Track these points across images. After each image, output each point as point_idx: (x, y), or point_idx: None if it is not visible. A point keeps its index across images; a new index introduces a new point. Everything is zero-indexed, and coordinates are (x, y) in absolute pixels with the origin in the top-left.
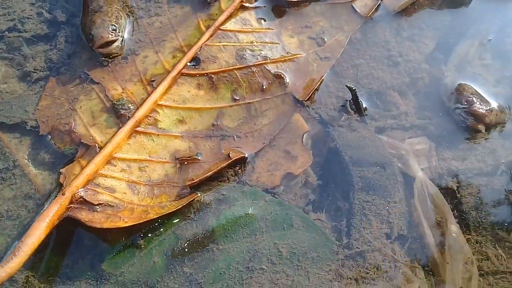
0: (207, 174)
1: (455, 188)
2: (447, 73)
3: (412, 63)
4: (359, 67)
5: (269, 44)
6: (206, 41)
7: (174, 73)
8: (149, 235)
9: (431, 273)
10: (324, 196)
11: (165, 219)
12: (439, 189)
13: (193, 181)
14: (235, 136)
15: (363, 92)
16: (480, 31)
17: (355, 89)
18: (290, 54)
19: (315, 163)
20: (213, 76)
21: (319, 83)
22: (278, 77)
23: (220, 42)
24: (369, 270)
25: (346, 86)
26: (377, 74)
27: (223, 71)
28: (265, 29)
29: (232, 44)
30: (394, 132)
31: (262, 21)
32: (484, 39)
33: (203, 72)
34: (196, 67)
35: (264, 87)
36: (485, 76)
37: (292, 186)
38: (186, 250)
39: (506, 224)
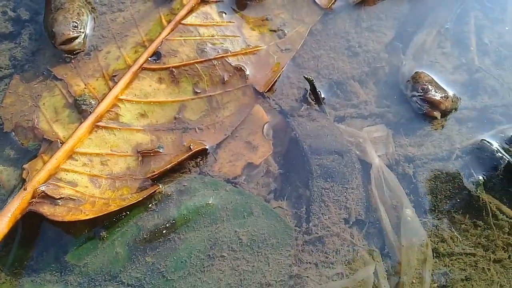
0: (168, 166)
1: (412, 174)
2: (405, 62)
3: (372, 53)
4: (320, 58)
5: (230, 37)
6: (167, 35)
7: (135, 67)
8: (112, 227)
9: (388, 255)
10: (285, 185)
11: (127, 211)
12: (396, 175)
13: (154, 174)
14: (197, 129)
15: (323, 82)
16: (438, 20)
17: (312, 80)
18: (250, 47)
19: (277, 152)
20: (174, 70)
21: (279, 74)
22: (239, 69)
23: (181, 36)
24: (328, 255)
25: (304, 77)
26: (337, 64)
27: (184, 65)
28: (226, 22)
29: (193, 38)
30: (354, 121)
31: (223, 14)
32: (442, 28)
33: (164, 66)
34: (157, 61)
35: (225, 80)
36: (443, 64)
37: (253, 176)
38: (148, 240)
39: (461, 207)
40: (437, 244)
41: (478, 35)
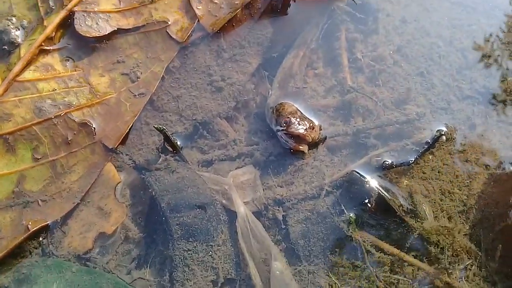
0: (1, 255)
1: (281, 218)
2: (271, 92)
3: (237, 86)
4: (181, 98)
5: (75, 89)
6: (0, 97)
7: None
8: None
9: None
10: (149, 250)
11: None
12: (266, 220)
13: None
14: (40, 201)
15: (187, 125)
16: (306, 40)
17: (163, 129)
18: (99, 97)
19: (137, 213)
20: (8, 137)
21: (131, 124)
22: (84, 125)
23: (16, 96)
24: None
25: (154, 127)
26: (200, 103)
27: (20, 129)
28: (71, 71)
29: (29, 96)
30: (221, 164)
31: (68, 62)
32: (309, 48)
33: None
34: None
35: (69, 140)
36: (314, 87)
37: (109, 246)
38: None
39: (336, 248)
40: None
41: (350, 50)
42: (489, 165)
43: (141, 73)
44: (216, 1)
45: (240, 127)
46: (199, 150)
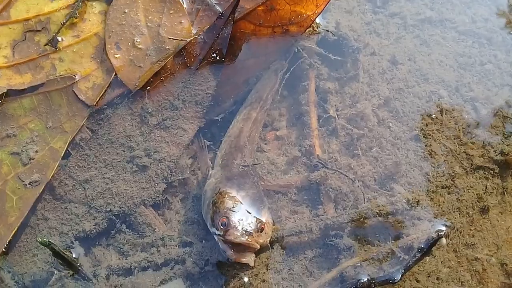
0: None
1: None
2: (211, 172)
3: (167, 162)
4: (90, 183)
5: None
6: None
7: None
8: None
9: None
10: None
11: None
12: None
13: None
14: None
15: (99, 219)
16: (260, 95)
17: (50, 244)
18: None
19: None
20: None
21: (16, 229)
22: None
23: None
24: None
25: (38, 241)
26: (117, 188)
27: None
28: None
29: None
30: (142, 275)
31: None
32: (265, 106)
33: None
34: None
35: None
36: (272, 158)
37: None
38: None
39: None
40: None
41: (321, 106)
42: (506, 263)
43: (36, 152)
44: (140, 46)
45: (173, 215)
46: (116, 250)
